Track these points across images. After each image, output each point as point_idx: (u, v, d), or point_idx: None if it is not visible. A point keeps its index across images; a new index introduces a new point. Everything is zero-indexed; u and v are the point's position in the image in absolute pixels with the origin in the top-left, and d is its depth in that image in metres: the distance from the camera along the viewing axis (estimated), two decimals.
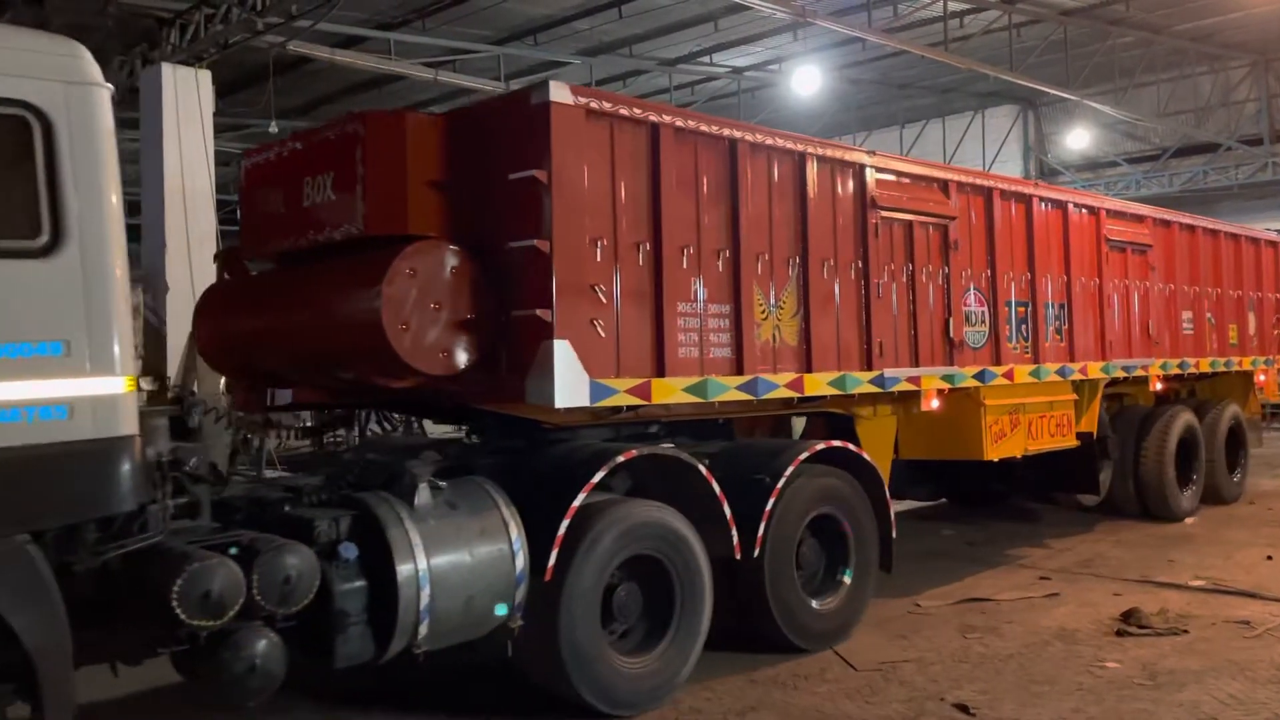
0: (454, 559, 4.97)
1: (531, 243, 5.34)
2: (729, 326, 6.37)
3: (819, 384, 6.89)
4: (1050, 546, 9.95)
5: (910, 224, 7.75)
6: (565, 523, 5.37)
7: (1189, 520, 11.29)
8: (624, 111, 5.76)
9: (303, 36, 15.39)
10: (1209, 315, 11.89)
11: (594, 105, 5.60)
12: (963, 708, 5.65)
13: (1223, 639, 6.87)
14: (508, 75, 19.29)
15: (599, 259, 5.64)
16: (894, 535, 7.30)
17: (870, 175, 7.37)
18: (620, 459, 5.68)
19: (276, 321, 5.95)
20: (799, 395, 6.76)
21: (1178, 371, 11.16)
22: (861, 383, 7.24)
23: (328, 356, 5.70)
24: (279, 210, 5.98)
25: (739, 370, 6.38)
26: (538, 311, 5.32)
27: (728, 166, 6.39)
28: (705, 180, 6.26)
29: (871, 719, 5.60)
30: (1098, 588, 8.34)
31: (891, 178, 7.63)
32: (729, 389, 6.29)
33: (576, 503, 5.42)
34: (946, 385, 8.02)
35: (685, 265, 6.11)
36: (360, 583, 4.78)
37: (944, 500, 12.13)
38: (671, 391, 5.96)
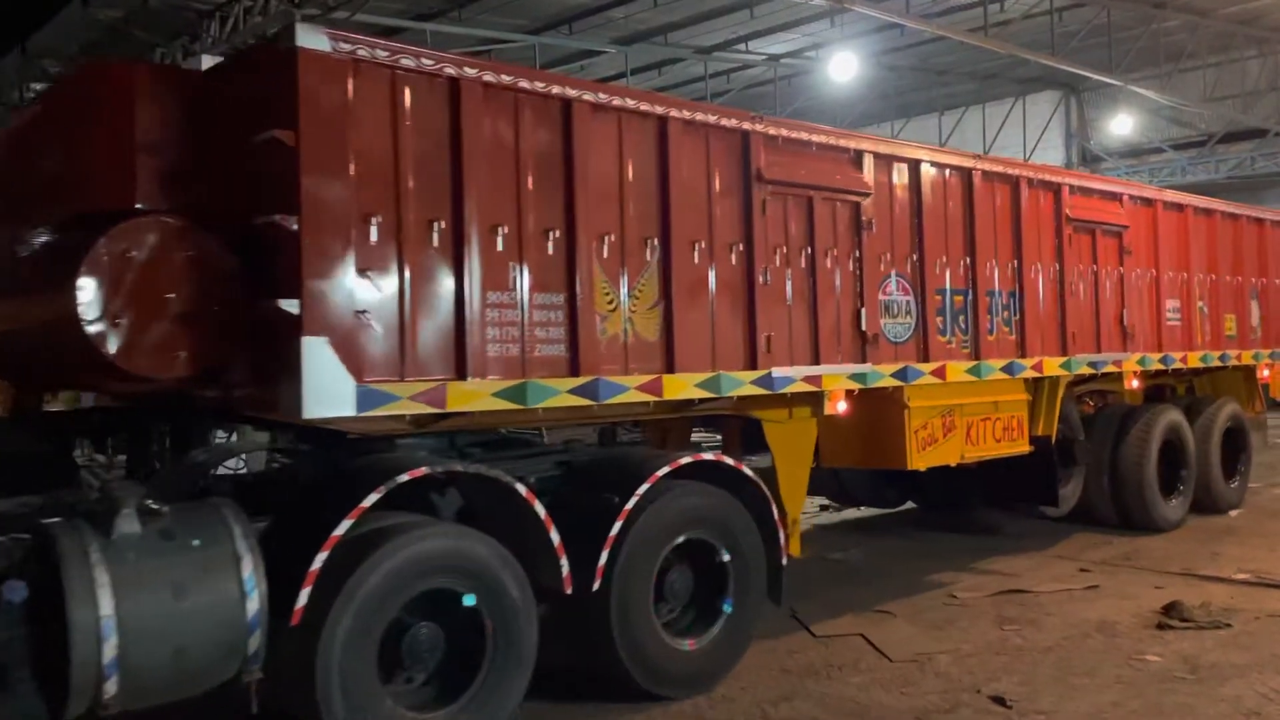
0: (156, 602, 4.08)
1: (274, 219, 4.45)
2: (563, 320, 5.43)
3: (683, 386, 5.93)
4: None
5: (810, 200, 6.74)
6: (321, 556, 4.48)
7: (1233, 513, 10.94)
8: (409, 63, 4.84)
9: (340, 28, 15.17)
10: (1200, 304, 10.72)
11: (364, 54, 4.68)
12: (999, 700, 5.57)
13: (1267, 633, 6.71)
14: (543, 64, 19.42)
15: (374, 239, 4.72)
16: (785, 561, 6.33)
17: (756, 144, 6.40)
18: (404, 478, 4.77)
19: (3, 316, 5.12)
20: (655, 399, 5.82)
21: (1160, 367, 10.02)
22: (742, 384, 6.27)
23: (43, 356, 4.86)
24: (15, 183, 5.14)
25: (575, 371, 5.45)
26: (282, 302, 4.43)
27: (561, 132, 5.45)
28: (529, 147, 5.32)
29: (907, 710, 5.51)
30: (1139, 580, 8.19)
31: (785, 147, 6.64)
32: (559, 393, 5.35)
33: (338, 532, 4.53)
34: (857, 385, 7.03)
35: (501, 247, 5.17)
36: (22, 630, 3.93)
37: (910, 506, 11.14)
38: (476, 397, 5.03)
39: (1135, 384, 9.87)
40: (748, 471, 6.16)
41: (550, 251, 5.38)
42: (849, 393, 7.10)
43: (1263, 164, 25.20)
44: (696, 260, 6.07)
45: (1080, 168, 26.76)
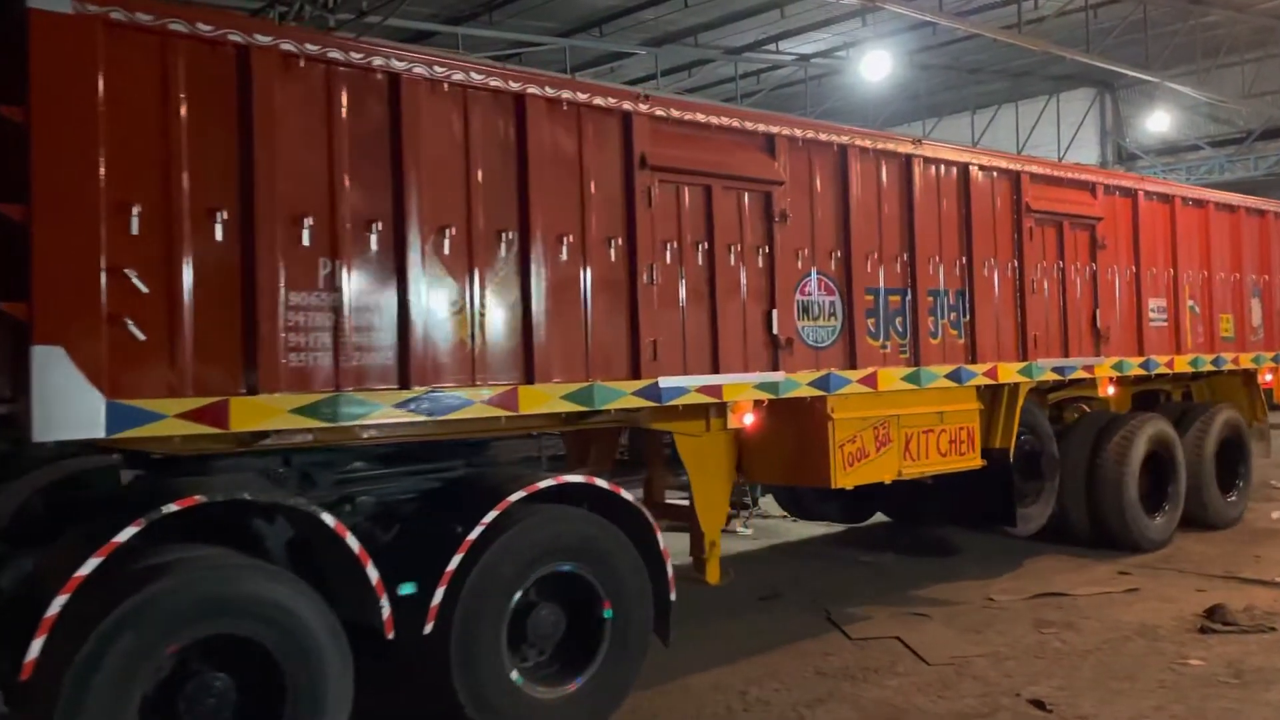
0: None
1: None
2: (390, 324, 4.77)
3: (544, 399, 5.23)
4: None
5: (708, 189, 6.03)
6: (60, 600, 3.85)
7: (1276, 515, 10.68)
8: (181, 28, 4.18)
9: (373, 32, 15.75)
10: (1191, 304, 9.86)
11: (119, 16, 4.03)
12: (1039, 704, 5.47)
13: None
14: (573, 67, 19.31)
15: (136, 231, 4.07)
16: (673, 596, 5.62)
17: (640, 126, 5.69)
18: (171, 508, 4.11)
19: None
20: (509, 414, 5.13)
21: (1141, 373, 9.18)
22: (622, 395, 5.57)
23: None
24: None
25: (404, 382, 4.78)
26: (5, 306, 3.80)
27: (387, 109, 4.78)
28: (345, 126, 4.65)
29: (945, 713, 5.43)
30: (1180, 583, 8.08)
31: (677, 130, 5.94)
32: (382, 408, 4.68)
33: (82, 572, 3.90)
34: (766, 396, 6.30)
35: (308, 241, 4.50)
36: None
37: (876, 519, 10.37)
38: (271, 414, 4.36)
39: (1111, 390, 9.03)
40: (626, 495, 5.46)
41: (374, 246, 4.71)
42: (760, 404, 6.39)
43: None
44: (565, 256, 5.38)
45: (1116, 166, 26.32)
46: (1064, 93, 27.27)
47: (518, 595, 5.06)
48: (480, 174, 5.07)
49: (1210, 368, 10.03)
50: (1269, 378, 11.09)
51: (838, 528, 10.44)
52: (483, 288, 5.08)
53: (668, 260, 5.82)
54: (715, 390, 6.00)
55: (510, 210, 5.18)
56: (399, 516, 5.24)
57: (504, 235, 5.15)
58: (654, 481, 7.62)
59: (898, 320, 7.09)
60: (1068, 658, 6.30)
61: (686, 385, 5.86)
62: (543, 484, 5.13)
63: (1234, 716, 5.33)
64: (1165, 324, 9.50)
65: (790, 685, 5.91)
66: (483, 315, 5.06)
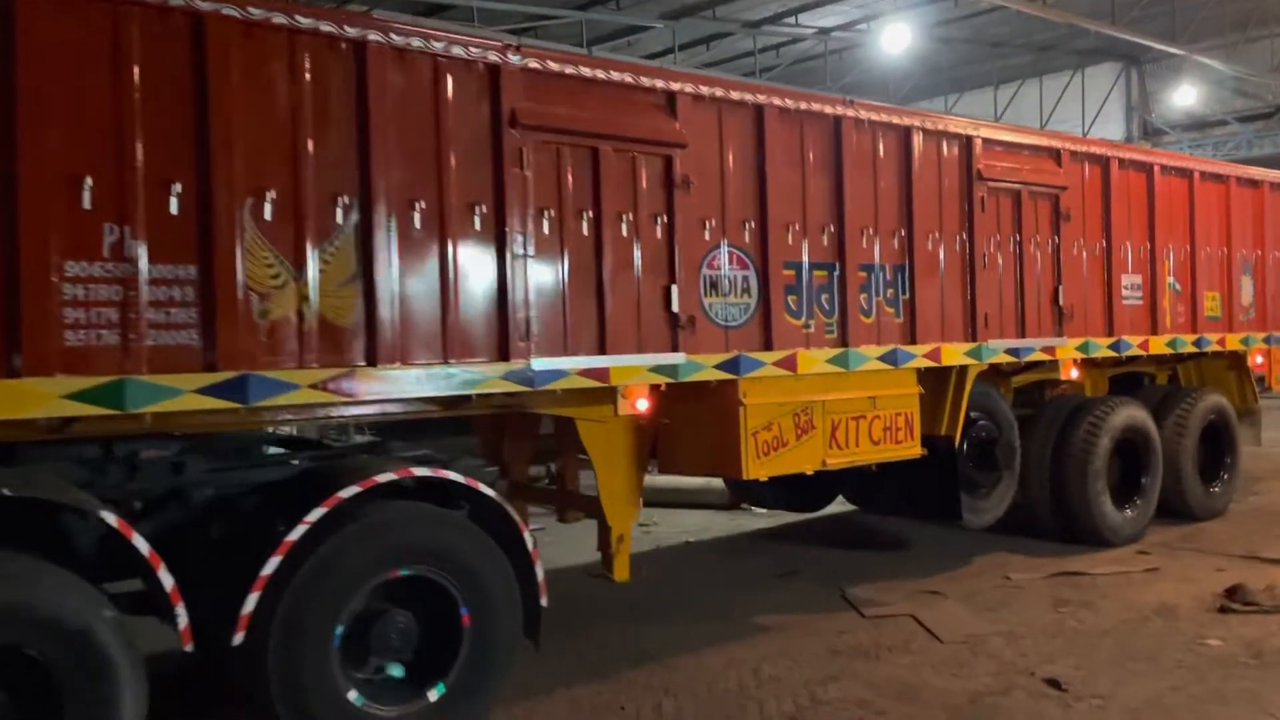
0: None
1: None
2: (193, 298, 4.24)
3: (391, 382, 4.71)
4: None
5: (595, 152, 5.46)
6: None
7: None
8: None
9: (387, 6, 15.71)
10: (1172, 281, 9.19)
11: None
12: (1054, 682, 5.43)
13: None
14: (590, 41, 19.19)
15: None
16: (545, 601, 5.09)
17: (511, 82, 5.13)
18: None
19: None
20: (344, 400, 4.60)
21: (1110, 354, 8.54)
22: (488, 379, 5.03)
23: None
24: None
25: (212, 364, 4.27)
26: None
27: (190, 49, 4.22)
28: (136, 70, 4.09)
29: (958, 691, 5.38)
30: (1200, 563, 7.99)
31: (556, 86, 5.36)
32: (183, 393, 4.17)
33: None
34: (664, 380, 5.75)
35: (89, 204, 3.97)
36: None
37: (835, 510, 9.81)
38: (38, 401, 3.86)
39: (1075, 374, 8.38)
40: (485, 490, 4.92)
41: (174, 209, 4.17)
42: (658, 389, 5.83)
43: None
44: (419, 225, 4.83)
45: (1141, 142, 25.86)
46: (1089, 67, 26.86)
47: (353, 602, 4.54)
48: (310, 131, 4.52)
49: (1191, 349, 9.35)
50: (1260, 360, 10.38)
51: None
52: (313, 258, 4.54)
53: (545, 230, 5.26)
54: (601, 373, 5.45)
55: (348, 172, 4.63)
56: (228, 515, 4.74)
57: (340, 200, 4.60)
58: (567, 471, 7.14)
59: (824, 297, 6.50)
60: (1084, 637, 6.22)
61: (565, 368, 5.31)
62: (382, 477, 4.60)
63: (1254, 698, 5.22)
64: (1141, 302, 8.83)
65: (803, 662, 5.86)
66: (310, 289, 4.52)
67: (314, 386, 4.49)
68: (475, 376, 4.98)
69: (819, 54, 23.18)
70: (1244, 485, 11.14)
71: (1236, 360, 10.24)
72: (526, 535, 5.03)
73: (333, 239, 4.60)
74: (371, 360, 4.66)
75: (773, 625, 6.61)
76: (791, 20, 21.48)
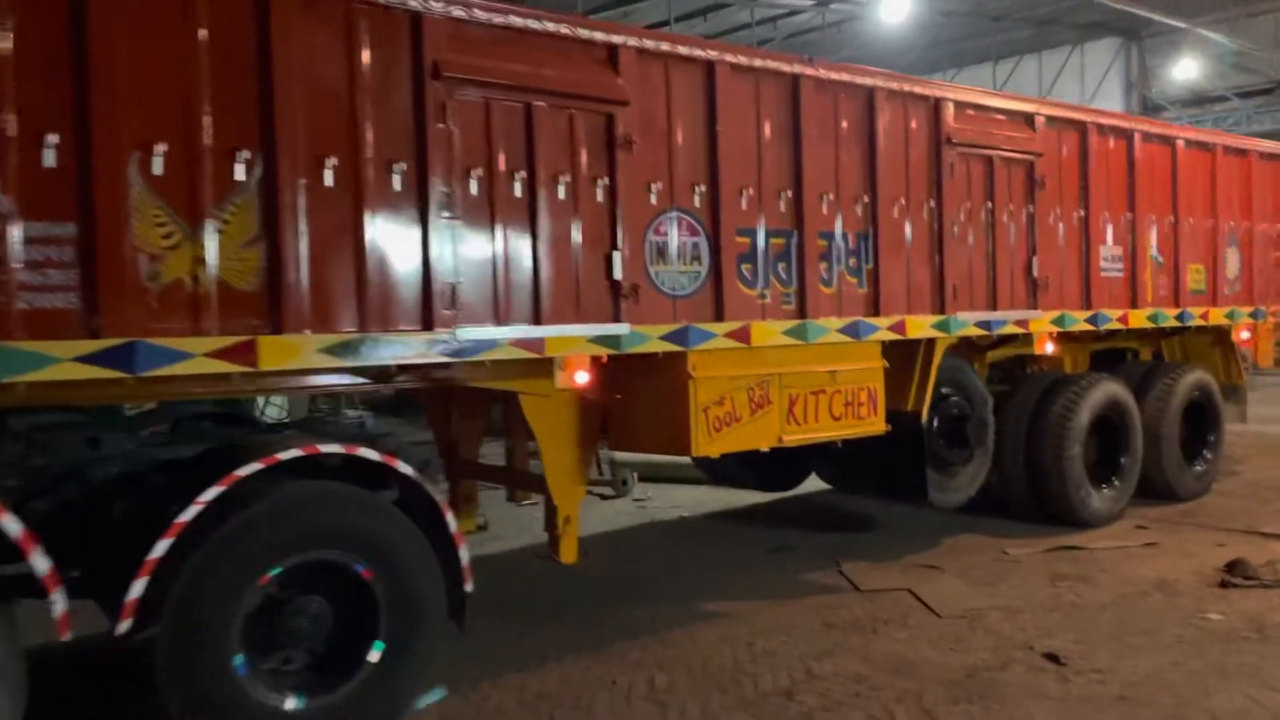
0: None
1: None
2: (72, 259, 3.91)
3: (295, 352, 4.35)
4: None
5: (528, 109, 5.12)
6: None
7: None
8: None
9: None
10: (1153, 252, 8.86)
11: None
12: (1053, 657, 5.36)
13: None
14: (586, 12, 18.62)
15: None
16: (469, 587, 4.78)
17: (433, 31, 4.77)
18: None
19: None
20: (246, 370, 4.28)
21: (1087, 328, 8.22)
22: (409, 348, 4.71)
23: None
24: None
25: (97, 331, 3.94)
26: None
27: None
28: None
29: (956, 666, 5.30)
30: (1199, 538, 7.92)
31: (484, 35, 5.00)
32: (60, 361, 3.83)
33: None
34: (606, 351, 5.42)
35: None
36: None
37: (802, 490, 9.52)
38: None
39: (1050, 348, 8.06)
40: (403, 468, 4.59)
41: (50, 162, 3.84)
42: (599, 361, 5.51)
43: None
44: (330, 182, 4.49)
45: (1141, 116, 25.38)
46: (1088, 43, 26.85)
47: (257, 589, 4.23)
48: (205, 80, 4.18)
49: (1174, 324, 9.03)
50: (1246, 336, 10.07)
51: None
52: (210, 216, 4.20)
53: (473, 190, 4.93)
54: (536, 344, 5.12)
55: (249, 125, 4.29)
56: (133, 493, 4.44)
57: (240, 155, 4.26)
58: (517, 450, 6.83)
59: (780, 266, 6.18)
60: (1083, 611, 6.15)
61: (497, 338, 4.98)
62: (286, 454, 4.27)
63: (1255, 672, 5.13)
64: (1121, 274, 8.51)
65: (798, 637, 5.79)
66: (207, 249, 4.19)
67: (212, 355, 4.16)
68: (395, 346, 4.65)
69: (817, 26, 22.89)
70: (1240, 461, 10.95)
71: (1221, 335, 9.94)
72: (449, 517, 4.71)
73: (233, 197, 4.26)
74: (277, 328, 4.34)
75: (767, 600, 6.50)
76: None
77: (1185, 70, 25.96)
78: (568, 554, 5.87)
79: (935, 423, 7.45)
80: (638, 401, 5.96)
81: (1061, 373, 8.76)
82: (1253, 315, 9.96)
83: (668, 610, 6.28)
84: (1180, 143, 9.12)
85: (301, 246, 4.39)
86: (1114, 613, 6.13)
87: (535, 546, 7.27)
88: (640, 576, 7.20)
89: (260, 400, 6.50)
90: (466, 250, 4.91)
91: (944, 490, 7.47)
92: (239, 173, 4.27)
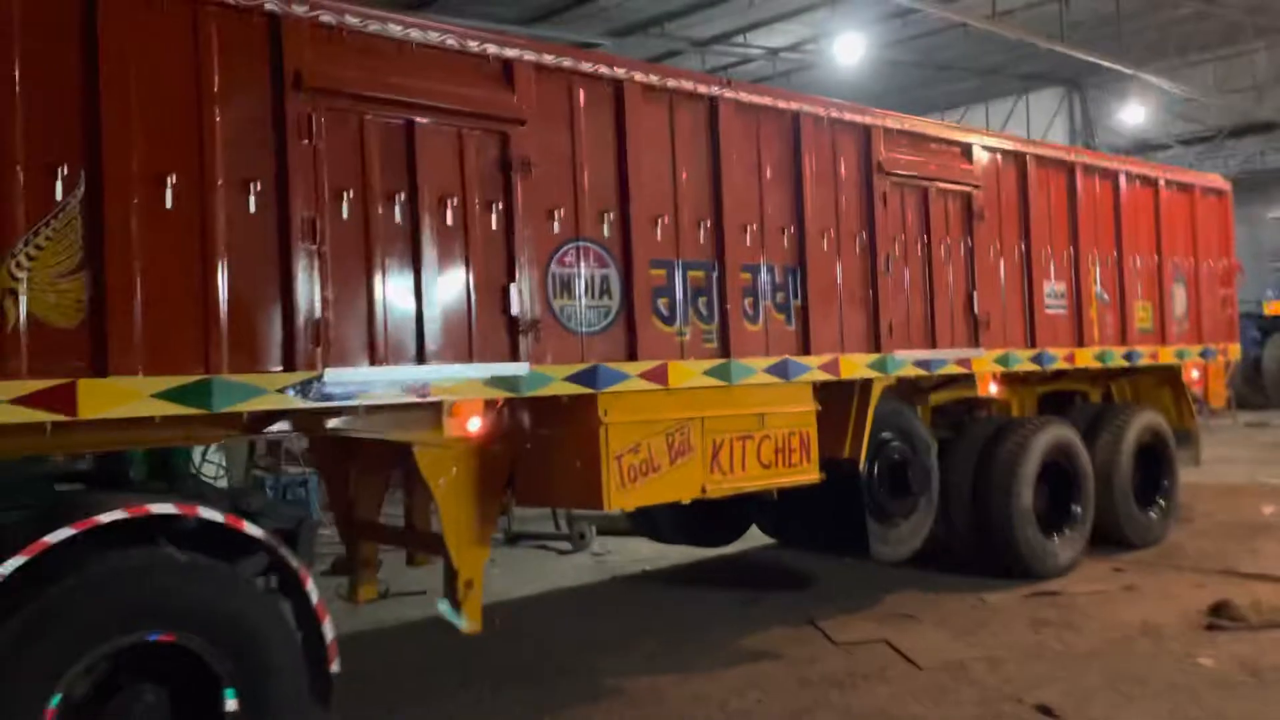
0: None
1: None
2: None
3: (125, 398, 3.77)
4: None
5: (410, 127, 4.61)
6: None
7: (1267, 510, 10.27)
8: None
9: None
10: (1098, 289, 8.51)
11: None
12: (1045, 710, 5.15)
13: None
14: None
15: None
16: (335, 667, 4.15)
17: (297, 40, 4.27)
18: None
19: None
20: (60, 419, 3.67)
21: (1033, 368, 7.81)
22: (262, 393, 4.11)
23: None
24: None
25: None
26: None
27: None
28: None
29: None
30: (1178, 580, 7.79)
31: (357, 46, 4.50)
32: None
33: None
34: (502, 394, 4.87)
35: None
36: None
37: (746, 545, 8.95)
38: None
39: (994, 389, 7.63)
40: (251, 530, 3.99)
41: None
42: (495, 406, 4.96)
43: (1273, 158, 25.01)
44: (171, 204, 3.93)
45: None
46: (1033, 92, 27.33)
47: (66, 678, 3.57)
48: (13, 83, 3.63)
49: (1122, 363, 8.66)
50: (1196, 375, 9.74)
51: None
52: (29, 243, 3.63)
53: (344, 214, 4.39)
54: (419, 388, 4.56)
55: (70, 140, 3.74)
56: None
57: (60, 173, 3.70)
58: (415, 507, 6.23)
59: (700, 301, 5.68)
60: (1070, 659, 5.97)
61: (372, 379, 4.41)
62: (105, 517, 3.66)
63: (1259, 718, 4.99)
64: (1064, 312, 8.13)
65: (773, 694, 5.53)
66: (18, 280, 3.61)
67: (18, 401, 3.56)
68: (245, 390, 4.06)
69: (768, 75, 23.00)
70: (1207, 501, 10.61)
71: (1171, 376, 9.59)
72: (310, 587, 4.10)
73: (49, 220, 3.69)
74: (101, 370, 3.75)
75: (738, 655, 6.23)
76: (740, 39, 21.18)
77: (1132, 114, 26.42)
78: (471, 621, 5.26)
79: (875, 470, 6.95)
80: (545, 450, 5.40)
81: (1009, 417, 8.34)
82: (1202, 355, 9.64)
83: (633, 667, 5.99)
84: (1122, 176, 8.83)
85: (133, 276, 3.82)
86: (1102, 660, 5.92)
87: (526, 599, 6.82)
88: (601, 633, 6.83)
89: (196, 457, 5.86)
90: (337, 280, 4.35)
91: (887, 543, 6.95)
92: (59, 193, 3.70)
